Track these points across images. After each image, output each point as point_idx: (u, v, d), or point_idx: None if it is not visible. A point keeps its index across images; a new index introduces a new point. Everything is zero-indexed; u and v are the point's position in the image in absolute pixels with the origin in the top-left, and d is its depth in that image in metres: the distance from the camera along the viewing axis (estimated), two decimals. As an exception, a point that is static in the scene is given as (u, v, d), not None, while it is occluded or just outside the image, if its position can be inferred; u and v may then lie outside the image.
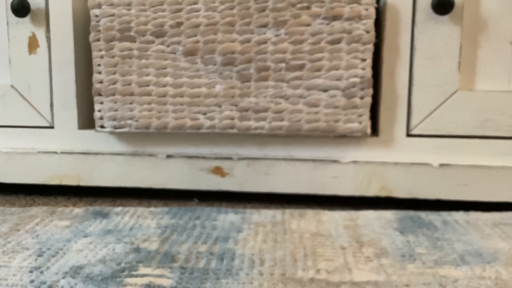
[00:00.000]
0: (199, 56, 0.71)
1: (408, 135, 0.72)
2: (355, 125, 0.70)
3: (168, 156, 0.75)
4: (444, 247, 0.56)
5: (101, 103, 0.74)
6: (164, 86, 0.72)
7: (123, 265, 0.51)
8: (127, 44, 0.72)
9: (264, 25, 0.70)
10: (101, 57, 0.73)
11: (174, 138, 0.76)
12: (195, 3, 0.71)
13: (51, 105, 0.78)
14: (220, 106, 0.72)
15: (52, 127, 0.79)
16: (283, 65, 0.70)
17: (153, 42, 0.72)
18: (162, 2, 0.71)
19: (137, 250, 0.55)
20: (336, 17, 0.69)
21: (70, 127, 0.78)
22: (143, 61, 0.72)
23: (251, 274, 0.49)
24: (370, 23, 0.68)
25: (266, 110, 0.71)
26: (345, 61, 0.69)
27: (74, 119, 0.78)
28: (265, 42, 0.70)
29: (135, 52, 0.72)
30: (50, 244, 0.57)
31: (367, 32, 0.69)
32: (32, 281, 0.48)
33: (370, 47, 0.69)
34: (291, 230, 0.62)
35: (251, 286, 0.47)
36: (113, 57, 0.73)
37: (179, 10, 0.71)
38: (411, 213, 0.68)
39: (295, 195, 0.78)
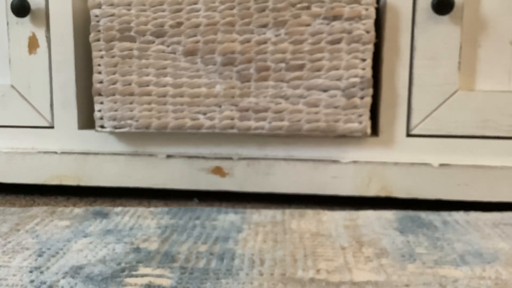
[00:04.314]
0: (199, 56, 0.71)
1: (408, 135, 0.72)
2: (355, 125, 0.70)
3: (168, 156, 0.75)
4: (444, 247, 0.56)
5: (101, 103, 0.74)
6: (164, 86, 0.72)
7: (123, 265, 0.51)
8: (127, 44, 0.72)
9: (264, 25, 0.70)
10: (101, 57, 0.73)
11: (174, 138, 0.76)
12: (195, 3, 0.71)
13: (51, 105, 0.78)
14: (220, 106, 0.72)
15: (52, 127, 0.79)
16: (283, 65, 0.70)
17: (153, 42, 0.72)
18: (162, 2, 0.71)
19: (137, 250, 0.55)
20: (336, 17, 0.69)
21: (70, 127, 0.78)
22: (143, 61, 0.72)
23: (251, 274, 0.49)
24: (370, 23, 0.68)
25: (266, 110, 0.71)
26: (345, 61, 0.69)
27: (74, 119, 0.78)
28: (265, 42, 0.70)
29: (135, 52, 0.72)
30: (50, 244, 0.57)
31: (367, 32, 0.69)
32: (32, 281, 0.48)
33: (370, 47, 0.69)
34: (291, 230, 0.62)
35: (251, 286, 0.47)
36: (113, 57, 0.73)
37: (179, 10, 0.71)
38: (411, 213, 0.68)
39: (295, 195, 0.78)
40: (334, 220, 0.65)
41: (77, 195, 0.80)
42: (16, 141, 0.80)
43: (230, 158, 0.74)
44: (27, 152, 0.78)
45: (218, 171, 0.75)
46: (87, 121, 0.81)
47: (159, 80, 0.72)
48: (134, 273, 0.49)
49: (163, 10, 0.71)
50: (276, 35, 0.70)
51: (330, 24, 0.69)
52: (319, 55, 0.69)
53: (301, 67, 0.70)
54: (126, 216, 0.67)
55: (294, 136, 0.74)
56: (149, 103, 0.73)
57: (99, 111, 0.74)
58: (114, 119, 0.74)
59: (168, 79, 0.72)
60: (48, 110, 0.78)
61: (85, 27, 0.78)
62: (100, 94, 0.74)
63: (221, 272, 0.50)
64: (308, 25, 0.69)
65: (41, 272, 0.49)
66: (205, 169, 0.75)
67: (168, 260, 0.53)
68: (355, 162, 0.72)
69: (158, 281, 0.48)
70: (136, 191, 0.82)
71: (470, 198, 0.71)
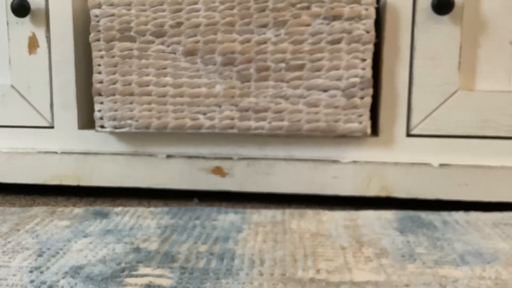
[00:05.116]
0: (199, 56, 0.71)
1: (408, 135, 0.72)
2: (355, 125, 0.70)
3: (168, 156, 0.75)
4: (444, 247, 0.56)
5: (101, 103, 0.74)
6: (164, 86, 0.72)
7: (123, 265, 0.51)
8: (127, 44, 0.72)
9: (264, 25, 0.70)
10: (101, 57, 0.73)
11: (174, 138, 0.76)
12: (195, 3, 0.71)
13: (51, 105, 0.78)
14: (220, 106, 0.72)
15: (52, 127, 0.79)
16: (283, 65, 0.70)
17: (153, 42, 0.72)
18: (162, 2, 0.71)
19: (137, 250, 0.55)
20: (336, 17, 0.69)
21: (70, 127, 0.78)
22: (143, 61, 0.72)
23: (251, 274, 0.49)
24: (370, 23, 0.68)
25: (266, 110, 0.71)
26: (345, 61, 0.69)
27: (74, 119, 0.78)
28: (265, 42, 0.70)
29: (135, 52, 0.72)
30: (50, 244, 0.57)
31: (367, 32, 0.69)
32: (32, 281, 0.48)
33: (370, 47, 0.69)
34: (291, 230, 0.62)
35: (251, 286, 0.47)
36: (113, 57, 0.73)
37: (179, 10, 0.71)
38: (411, 213, 0.68)
39: (295, 195, 0.78)
40: (334, 220, 0.65)
41: (77, 195, 0.80)
42: (16, 141, 0.80)
43: (230, 158, 0.74)
44: (27, 152, 0.78)
45: (218, 171, 0.75)
46: (87, 121, 0.81)
47: (159, 80, 0.72)
48: (134, 273, 0.49)
49: (163, 10, 0.71)
50: (276, 35, 0.70)
51: (330, 24, 0.69)
52: (319, 55, 0.69)
53: (301, 67, 0.70)
54: (126, 216, 0.67)
55: (294, 136, 0.74)
56: (149, 103, 0.73)
57: (99, 111, 0.74)
58: (114, 119, 0.74)
59: (168, 79, 0.72)
60: (48, 110, 0.78)
61: (85, 27, 0.78)
62: (100, 94, 0.74)
63: (221, 272, 0.50)
64: (308, 25, 0.69)
65: (41, 272, 0.49)
66: (205, 169, 0.75)
67: (168, 260, 0.53)
68: (355, 162, 0.72)
69: (158, 281, 0.48)
70: (136, 191, 0.82)
71: (470, 198, 0.71)
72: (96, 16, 0.72)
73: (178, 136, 0.76)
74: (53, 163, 0.77)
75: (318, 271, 0.50)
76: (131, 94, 0.73)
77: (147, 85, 0.73)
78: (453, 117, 0.71)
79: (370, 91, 0.69)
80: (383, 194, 0.72)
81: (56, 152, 0.77)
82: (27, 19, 0.76)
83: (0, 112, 0.79)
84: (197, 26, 0.71)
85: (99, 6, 0.72)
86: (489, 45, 0.71)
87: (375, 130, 0.75)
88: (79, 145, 0.78)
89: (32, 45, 0.77)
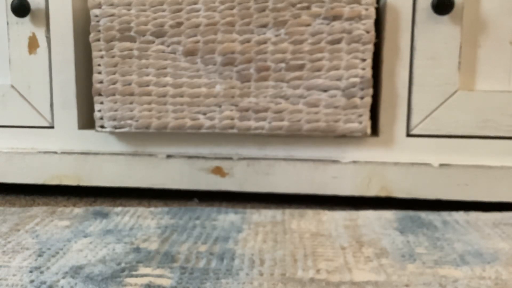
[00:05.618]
0: (199, 56, 0.71)
1: (408, 135, 0.72)
2: (355, 125, 0.70)
3: (168, 156, 0.75)
4: (444, 247, 0.56)
5: (101, 103, 0.74)
6: (164, 86, 0.72)
7: (123, 265, 0.51)
8: (127, 44, 0.72)
9: (264, 25, 0.70)
10: (101, 57, 0.73)
11: (174, 138, 0.76)
12: (195, 3, 0.71)
13: (51, 105, 0.78)
14: (220, 106, 0.72)
15: (52, 127, 0.79)
16: (283, 65, 0.70)
17: (153, 42, 0.72)
18: (162, 2, 0.71)
19: (137, 250, 0.55)
20: (336, 17, 0.69)
21: (70, 127, 0.78)
22: (143, 61, 0.72)
23: (251, 274, 0.49)
24: (370, 23, 0.68)
25: (266, 110, 0.71)
26: (345, 61, 0.69)
27: (74, 119, 0.78)
28: (265, 42, 0.70)
29: (135, 52, 0.72)
30: (50, 244, 0.57)
31: (367, 32, 0.69)
32: (32, 281, 0.48)
33: (370, 47, 0.69)
34: (291, 230, 0.62)
35: (251, 286, 0.47)
36: (113, 57, 0.73)
37: (179, 10, 0.71)
38: (411, 213, 0.68)
39: (295, 195, 0.78)
40: (334, 220, 0.65)
41: (77, 195, 0.80)
42: (16, 141, 0.80)
43: (230, 158, 0.74)
44: (27, 152, 0.78)
45: (218, 171, 0.75)
46: (87, 121, 0.81)
47: (159, 80, 0.72)
48: (134, 273, 0.49)
49: (163, 10, 0.71)
50: (276, 35, 0.70)
51: (330, 24, 0.69)
52: (319, 55, 0.69)
53: (301, 67, 0.70)
54: (126, 216, 0.67)
55: (294, 136, 0.74)
56: (149, 103, 0.73)
57: (99, 111, 0.74)
58: (114, 119, 0.74)
59: (168, 79, 0.72)
60: (48, 110, 0.78)
61: (85, 27, 0.78)
62: (100, 94, 0.74)
63: (221, 272, 0.50)
64: (308, 25, 0.69)
65: (41, 272, 0.49)
66: (205, 169, 0.75)
67: (168, 260, 0.53)
68: (355, 162, 0.72)
69: (158, 281, 0.48)
70: (136, 191, 0.82)
71: (470, 198, 0.71)
72: (96, 16, 0.72)
73: (178, 136, 0.76)
74: (53, 163, 0.77)
75: (318, 271, 0.50)
76: (131, 94, 0.73)
77: (147, 85, 0.73)
78: (453, 117, 0.71)
79: (370, 91, 0.69)
80: (383, 194, 0.72)
81: (56, 152, 0.77)
82: (27, 19, 0.76)
83: (0, 112, 0.79)
84: (197, 26, 0.71)
85: (99, 6, 0.72)
86: (489, 45, 0.71)
87: (375, 130, 0.75)
88: (79, 145, 0.78)
89: (32, 45, 0.77)
